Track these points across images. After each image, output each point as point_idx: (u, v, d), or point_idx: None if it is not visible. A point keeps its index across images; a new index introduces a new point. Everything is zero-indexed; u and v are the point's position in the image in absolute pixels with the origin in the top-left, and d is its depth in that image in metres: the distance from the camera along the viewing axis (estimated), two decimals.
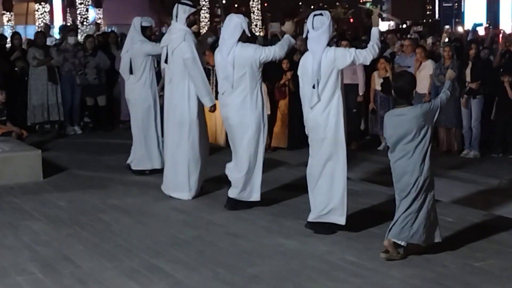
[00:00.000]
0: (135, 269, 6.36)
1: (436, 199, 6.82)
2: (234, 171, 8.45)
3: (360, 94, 13.12)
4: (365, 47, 7.53)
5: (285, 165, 11.14)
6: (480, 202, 8.82)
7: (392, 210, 6.61)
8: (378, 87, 12.93)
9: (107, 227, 7.77)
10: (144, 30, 10.53)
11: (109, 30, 28.24)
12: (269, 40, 17.56)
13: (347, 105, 13.57)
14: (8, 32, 31.77)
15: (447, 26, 31.36)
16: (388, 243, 6.47)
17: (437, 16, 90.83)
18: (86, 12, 50.99)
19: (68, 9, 50.22)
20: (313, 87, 7.28)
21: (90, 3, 51.61)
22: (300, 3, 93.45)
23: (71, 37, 15.06)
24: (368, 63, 7.62)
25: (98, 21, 43.36)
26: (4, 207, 8.70)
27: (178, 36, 8.89)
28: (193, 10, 9.02)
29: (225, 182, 8.78)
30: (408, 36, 17.32)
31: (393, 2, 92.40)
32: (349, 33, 21.11)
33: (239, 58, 8.14)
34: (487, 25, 26.42)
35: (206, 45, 9.68)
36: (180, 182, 9.02)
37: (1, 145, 10.77)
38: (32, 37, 17.65)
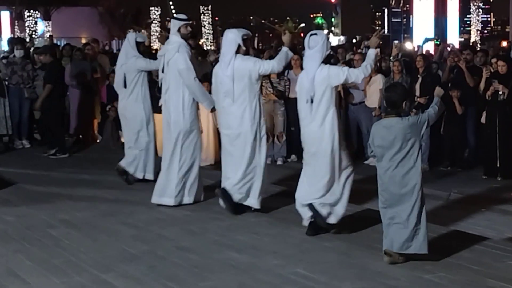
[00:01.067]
0: (85, 284, 6.27)
1: None
2: (232, 178, 8.63)
3: None
4: None
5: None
6: (429, 215, 8.81)
7: (349, 222, 6.62)
8: None
9: (56, 242, 7.64)
10: (138, 45, 10.71)
11: (59, 42, 27.95)
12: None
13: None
14: None
15: (396, 41, 31.75)
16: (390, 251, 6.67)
17: (386, 31, 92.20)
18: (34, 25, 50.43)
19: (16, 21, 49.71)
20: (306, 102, 7.65)
21: (38, 15, 51.12)
22: (251, 17, 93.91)
23: (17, 50, 14.83)
24: (360, 82, 8.07)
25: (47, 34, 42.94)
26: None
27: (173, 48, 9.21)
28: (182, 23, 9.33)
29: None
30: (359, 50, 17.48)
31: (343, 17, 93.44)
32: (300, 47, 21.19)
33: (238, 71, 8.44)
34: (435, 39, 26.82)
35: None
36: (169, 189, 9.19)
37: None
38: None
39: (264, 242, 7.55)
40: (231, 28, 9.01)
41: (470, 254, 7.01)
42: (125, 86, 10.64)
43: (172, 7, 52.41)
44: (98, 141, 15.31)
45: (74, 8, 55.89)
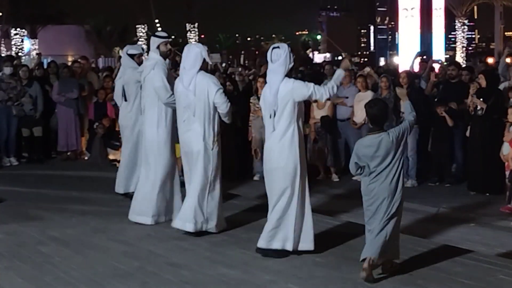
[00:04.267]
0: None
1: None
2: (187, 201, 8.53)
3: None
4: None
5: None
6: (419, 230, 8.91)
7: (338, 238, 6.63)
8: (317, 117, 12.99)
9: (47, 259, 7.62)
10: (132, 57, 10.76)
11: (45, 60, 27.90)
12: (209, 70, 17.48)
13: None
14: None
15: (382, 58, 31.88)
16: (367, 265, 6.61)
17: (372, 48, 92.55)
18: (21, 43, 50.28)
19: (2, 39, 49.65)
20: (270, 117, 7.48)
21: (25, 34, 51.01)
22: (237, 35, 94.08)
23: (7, 67, 14.80)
24: (323, 101, 7.84)
25: (33, 52, 42.84)
26: None
27: (149, 65, 9.24)
28: (161, 40, 9.34)
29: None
30: None
31: (328, 35, 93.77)
32: None
33: (200, 87, 8.35)
34: (421, 56, 26.89)
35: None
36: (145, 208, 9.15)
37: None
38: None
39: (255, 258, 7.54)
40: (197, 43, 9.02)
41: (462, 269, 7.03)
42: (125, 99, 10.70)
43: (158, 25, 52.40)
44: (86, 158, 15.27)
45: (60, 26, 55.89)
